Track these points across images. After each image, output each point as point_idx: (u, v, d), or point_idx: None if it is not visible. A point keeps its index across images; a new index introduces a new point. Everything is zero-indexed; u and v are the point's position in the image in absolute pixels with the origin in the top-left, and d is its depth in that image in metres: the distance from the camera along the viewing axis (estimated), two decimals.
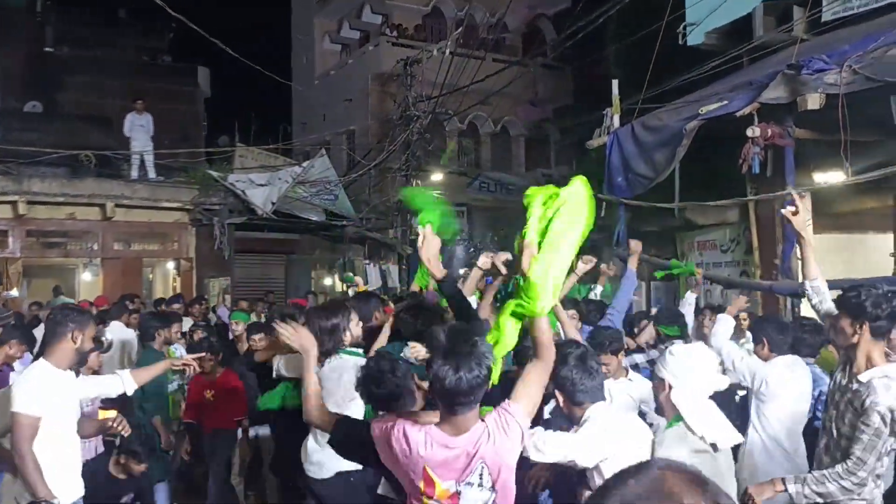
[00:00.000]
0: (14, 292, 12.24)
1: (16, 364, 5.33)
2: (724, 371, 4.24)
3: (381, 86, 18.91)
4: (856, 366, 3.29)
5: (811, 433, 3.99)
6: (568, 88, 19.94)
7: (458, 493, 2.50)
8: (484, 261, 4.30)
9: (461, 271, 5.24)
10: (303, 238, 17.49)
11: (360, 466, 3.89)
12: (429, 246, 3.43)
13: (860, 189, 7.51)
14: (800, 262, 3.81)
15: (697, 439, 3.00)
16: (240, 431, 6.26)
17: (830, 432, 3.38)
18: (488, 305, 4.31)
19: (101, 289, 13.73)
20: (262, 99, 22.17)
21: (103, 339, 6.12)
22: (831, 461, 3.32)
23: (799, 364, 4.31)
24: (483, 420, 2.50)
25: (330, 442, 2.96)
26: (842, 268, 7.80)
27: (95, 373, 5.22)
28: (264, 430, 6.14)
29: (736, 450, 3.68)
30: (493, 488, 2.50)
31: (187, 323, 8.01)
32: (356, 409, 3.79)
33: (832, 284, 3.79)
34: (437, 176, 17.75)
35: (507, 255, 4.07)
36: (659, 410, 3.25)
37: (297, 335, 3.08)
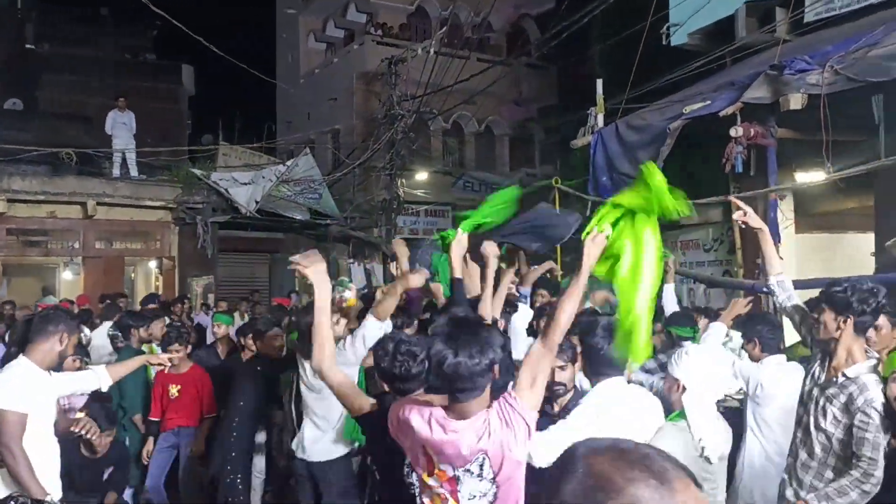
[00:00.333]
0: None
1: None
2: None
3: (366, 85, 18.86)
4: (836, 360, 3.27)
5: None
6: (552, 88, 19.97)
7: (456, 479, 2.47)
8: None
9: None
10: (287, 237, 17.42)
11: (349, 449, 4.44)
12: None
13: (841, 189, 7.57)
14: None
15: (691, 438, 3.02)
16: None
17: (807, 427, 3.36)
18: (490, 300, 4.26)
19: (83, 288, 13.62)
20: (246, 97, 22.07)
21: (82, 335, 6.05)
22: (808, 457, 3.32)
23: (791, 363, 4.31)
24: (487, 410, 2.42)
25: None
26: (822, 267, 7.86)
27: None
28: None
29: (733, 456, 3.70)
30: (493, 481, 2.44)
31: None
32: None
33: (813, 283, 3.80)
34: (421, 175, 17.75)
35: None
36: (669, 408, 3.21)
37: (309, 261, 3.08)
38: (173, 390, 5.89)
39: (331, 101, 20.11)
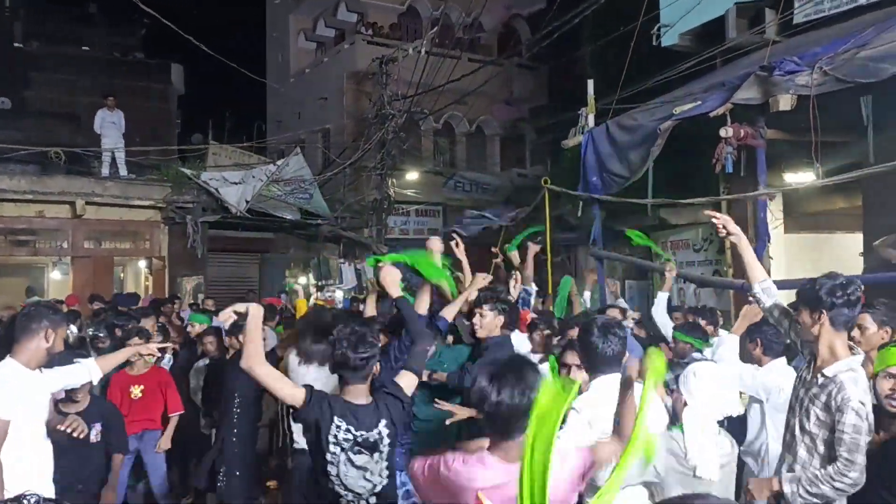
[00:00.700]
0: None
1: None
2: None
3: (357, 84, 18.84)
4: (819, 359, 3.22)
5: None
6: (543, 88, 20.01)
7: None
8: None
9: None
10: (277, 237, 17.38)
11: None
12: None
13: (829, 189, 7.61)
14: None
15: (681, 450, 3.08)
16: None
17: (793, 428, 3.33)
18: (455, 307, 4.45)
19: (72, 288, 13.54)
20: (236, 97, 21.97)
21: (68, 332, 5.99)
22: (793, 458, 3.29)
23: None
24: None
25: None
26: (811, 267, 7.90)
27: None
28: None
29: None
30: None
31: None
32: None
33: (799, 284, 3.78)
34: (412, 175, 17.74)
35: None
36: (676, 420, 3.26)
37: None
38: (136, 391, 5.74)
39: (321, 101, 20.08)
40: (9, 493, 3.30)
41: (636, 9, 9.14)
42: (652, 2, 9.48)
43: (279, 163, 14.81)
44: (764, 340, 4.42)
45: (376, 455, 3.27)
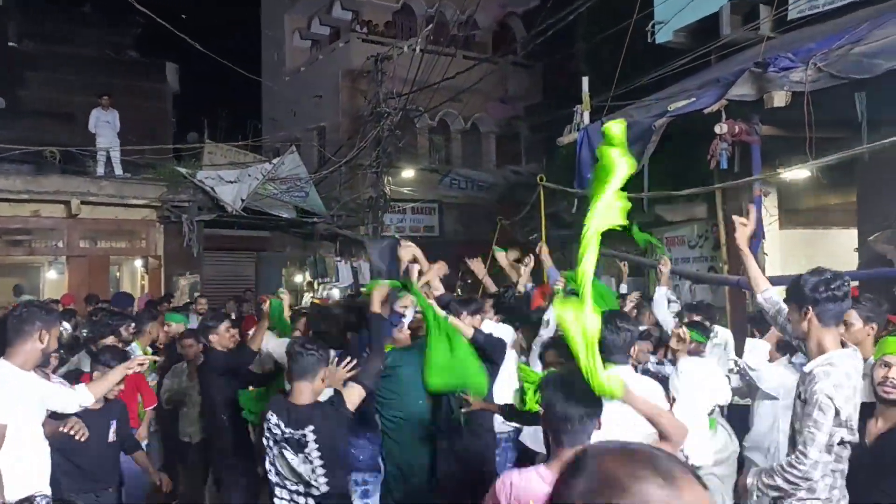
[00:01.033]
0: None
1: None
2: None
3: (352, 82, 18.83)
4: (810, 355, 3.22)
5: None
6: (538, 86, 20.01)
7: None
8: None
9: None
10: (273, 235, 17.36)
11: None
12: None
13: (824, 185, 7.64)
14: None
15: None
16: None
17: (792, 424, 3.33)
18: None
19: (67, 287, 13.52)
20: (231, 95, 21.88)
21: (62, 330, 5.96)
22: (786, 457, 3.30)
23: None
24: None
25: None
26: (806, 262, 7.91)
27: None
28: None
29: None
30: None
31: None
32: None
33: (783, 281, 3.80)
34: (408, 173, 17.74)
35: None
36: None
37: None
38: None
39: (316, 99, 20.06)
40: (9, 495, 3.27)
41: (630, 6, 9.14)
42: None
43: (275, 161, 14.80)
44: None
45: (301, 455, 3.49)
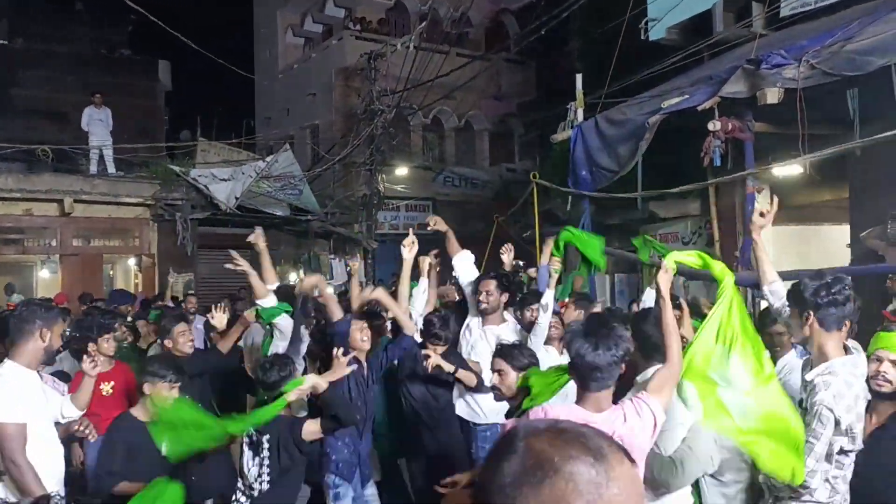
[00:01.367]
0: None
1: None
2: None
3: (345, 80, 18.80)
4: (812, 360, 3.18)
5: None
6: (531, 83, 20.02)
7: None
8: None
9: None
10: (267, 233, 17.27)
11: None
12: None
13: (816, 182, 7.68)
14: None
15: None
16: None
17: None
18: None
19: (60, 286, 13.47)
20: (224, 93, 21.82)
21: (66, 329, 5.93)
22: None
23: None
24: (621, 402, 2.75)
25: None
26: (799, 259, 7.97)
27: None
28: None
29: None
30: None
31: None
32: None
33: (788, 275, 3.81)
34: (401, 170, 17.74)
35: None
36: None
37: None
38: (106, 388, 5.60)
39: (310, 97, 20.04)
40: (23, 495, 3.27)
41: (624, 3, 9.17)
42: None
43: (268, 159, 14.77)
44: None
45: (257, 458, 3.91)
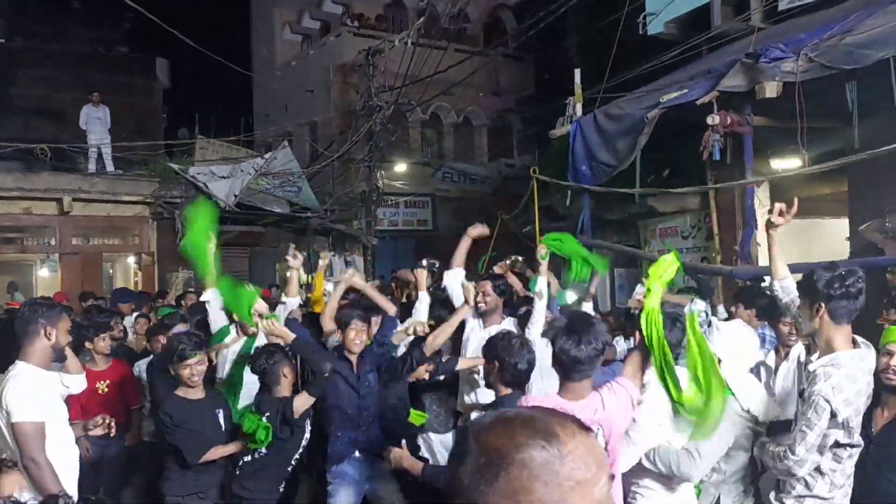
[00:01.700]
0: None
1: None
2: None
3: (343, 77, 18.78)
4: (818, 352, 3.15)
5: None
6: (530, 78, 20.00)
7: None
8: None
9: None
10: (267, 230, 17.32)
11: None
12: None
13: (815, 175, 7.67)
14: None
15: (740, 409, 3.23)
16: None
17: (796, 420, 3.25)
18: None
19: (60, 285, 13.47)
20: (222, 91, 21.77)
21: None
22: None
23: None
24: (596, 391, 2.92)
25: None
26: (798, 252, 7.97)
27: None
28: None
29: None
30: (605, 450, 2.81)
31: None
32: None
33: (791, 268, 3.81)
34: (400, 167, 17.73)
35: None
36: None
37: None
38: (102, 386, 5.63)
39: (308, 94, 20.01)
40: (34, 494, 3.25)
41: None
42: None
43: (267, 156, 14.75)
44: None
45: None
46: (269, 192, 14.51)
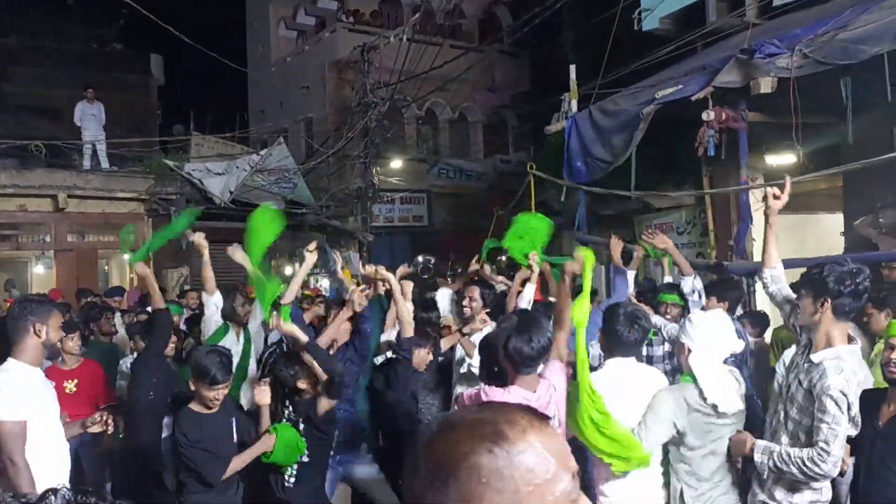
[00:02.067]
0: None
1: None
2: None
3: (339, 73, 18.75)
4: (814, 346, 3.14)
5: None
6: (525, 74, 20.00)
7: None
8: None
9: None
10: None
11: None
12: None
13: (811, 170, 7.69)
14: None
15: (698, 397, 3.22)
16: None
17: (778, 414, 3.27)
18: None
19: (55, 282, 13.46)
20: (217, 87, 21.75)
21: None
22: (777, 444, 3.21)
23: None
24: (544, 377, 3.22)
25: None
26: (793, 247, 7.99)
27: None
28: None
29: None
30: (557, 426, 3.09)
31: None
32: None
33: (787, 263, 3.83)
34: (396, 163, 17.72)
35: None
36: (681, 370, 3.64)
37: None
38: (70, 386, 5.55)
39: (303, 90, 19.97)
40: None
41: None
42: None
43: (262, 153, 14.75)
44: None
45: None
46: (265, 188, 14.50)
